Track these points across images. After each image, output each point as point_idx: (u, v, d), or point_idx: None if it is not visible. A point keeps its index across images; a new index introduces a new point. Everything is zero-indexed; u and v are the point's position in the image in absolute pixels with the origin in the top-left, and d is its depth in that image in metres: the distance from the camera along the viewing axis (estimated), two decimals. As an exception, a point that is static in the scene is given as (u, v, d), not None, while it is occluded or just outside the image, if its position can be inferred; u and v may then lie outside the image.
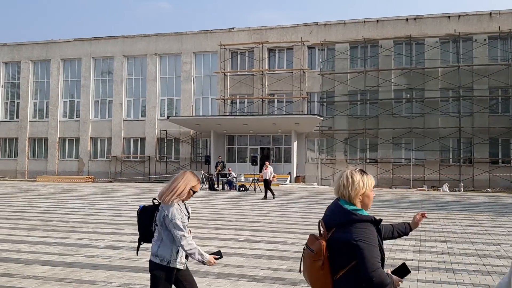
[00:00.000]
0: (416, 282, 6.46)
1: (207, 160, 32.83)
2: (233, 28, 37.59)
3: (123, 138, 39.60)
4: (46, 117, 41.77)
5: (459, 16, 32.91)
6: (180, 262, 3.89)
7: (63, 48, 41.53)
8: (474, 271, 7.34)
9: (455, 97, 32.71)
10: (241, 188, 27.51)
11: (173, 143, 38.64)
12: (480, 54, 32.38)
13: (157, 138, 38.57)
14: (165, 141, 38.57)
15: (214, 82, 37.77)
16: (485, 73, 31.96)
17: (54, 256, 8.18)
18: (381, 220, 2.76)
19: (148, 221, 4.04)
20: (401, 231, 3.15)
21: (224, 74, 37.05)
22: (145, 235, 4.08)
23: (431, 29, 33.24)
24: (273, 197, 21.02)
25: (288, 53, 36.47)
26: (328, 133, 34.55)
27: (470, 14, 32.88)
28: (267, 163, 22.78)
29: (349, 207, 2.74)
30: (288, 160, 34.85)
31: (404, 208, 17.15)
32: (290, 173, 33.67)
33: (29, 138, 41.92)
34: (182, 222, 3.82)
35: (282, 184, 31.56)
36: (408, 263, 7.88)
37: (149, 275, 5.95)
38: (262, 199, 20.93)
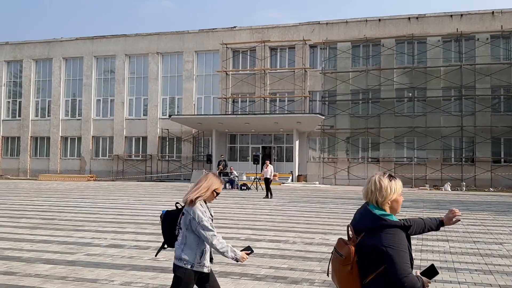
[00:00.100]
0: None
1: (209, 159, 32.83)
2: (235, 27, 37.58)
3: (125, 137, 39.63)
4: (48, 116, 41.83)
5: (462, 15, 32.86)
6: (205, 266, 3.89)
7: (65, 47, 41.56)
8: (476, 270, 7.33)
9: (457, 96, 32.65)
10: (242, 187, 27.52)
11: (175, 142, 38.66)
12: (482, 53, 32.33)
13: (159, 137, 38.59)
14: (167, 140, 38.59)
15: (216, 81, 37.78)
16: (487, 72, 31.90)
17: (56, 255, 8.20)
18: (410, 225, 2.76)
19: (173, 225, 4.05)
20: (432, 227, 3.13)
21: (226, 73, 37.06)
22: (170, 239, 4.07)
23: (433, 28, 33.19)
24: (270, 196, 21.02)
25: (290, 52, 36.44)
26: (330, 132, 34.53)
27: (473, 13, 32.82)
28: (268, 162, 22.81)
29: (378, 212, 2.74)
30: (290, 159, 34.84)
31: (406, 207, 17.13)
32: (292, 172, 33.66)
33: (31, 136, 41.99)
34: (210, 222, 3.85)
35: (283, 183, 31.55)
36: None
37: (151, 273, 5.94)
38: (263, 198, 20.94)
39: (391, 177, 2.84)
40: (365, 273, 2.68)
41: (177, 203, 4.14)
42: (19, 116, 42.53)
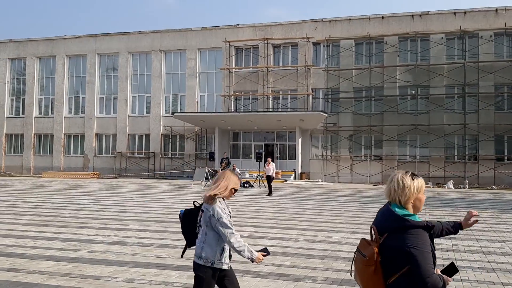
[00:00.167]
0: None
1: (211, 157, 32.80)
2: (238, 24, 37.55)
3: (128, 134, 39.69)
4: (51, 113, 41.92)
5: (465, 12, 32.75)
6: (225, 263, 3.90)
7: (68, 44, 41.63)
8: (479, 268, 7.33)
9: (461, 94, 32.58)
10: (245, 185, 27.54)
11: (177, 140, 38.70)
12: (486, 50, 32.24)
13: (161, 134, 38.64)
14: (170, 137, 38.64)
15: (218, 78, 37.78)
16: (490, 69, 31.81)
17: (60, 252, 8.23)
18: (433, 226, 2.76)
19: (193, 224, 4.07)
20: (450, 230, 3.13)
21: (229, 71, 37.05)
22: (191, 238, 4.09)
23: (437, 25, 33.10)
24: (270, 194, 21.06)
25: (293, 49, 36.40)
26: (333, 129, 34.51)
27: (476, 10, 32.72)
28: (269, 159, 22.87)
29: (401, 212, 2.73)
30: (293, 156, 34.84)
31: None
32: (294, 169, 33.67)
33: (34, 134, 42.10)
34: (229, 219, 3.87)
35: (286, 181, 31.57)
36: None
37: (154, 270, 5.96)
38: (266, 195, 20.96)
39: (413, 175, 2.83)
40: (389, 274, 2.69)
41: (195, 201, 4.17)
42: (23, 113, 42.65)
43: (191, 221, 4.08)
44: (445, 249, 8.78)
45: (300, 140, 33.91)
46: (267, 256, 4.02)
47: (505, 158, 31.80)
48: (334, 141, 34.68)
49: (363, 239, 2.87)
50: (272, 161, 23.20)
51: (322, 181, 33.17)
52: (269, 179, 21.62)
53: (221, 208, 3.87)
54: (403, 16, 33.91)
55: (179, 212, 4.20)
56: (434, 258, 2.70)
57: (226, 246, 3.92)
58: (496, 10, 32.28)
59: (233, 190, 4.00)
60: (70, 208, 15.17)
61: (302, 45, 35.56)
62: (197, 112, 36.55)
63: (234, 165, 30.36)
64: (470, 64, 32.15)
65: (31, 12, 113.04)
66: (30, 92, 42.35)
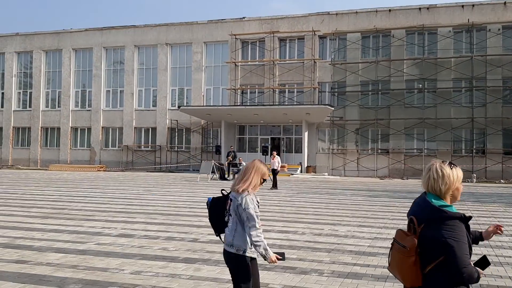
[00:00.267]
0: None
1: (217, 150, 32.86)
2: (244, 17, 37.44)
3: (134, 127, 39.78)
4: (58, 107, 42.07)
5: (473, 5, 32.47)
6: (254, 251, 3.93)
7: (74, 38, 41.68)
8: (486, 262, 7.29)
9: (468, 87, 32.37)
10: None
11: (184, 133, 38.75)
12: (493, 44, 31.98)
13: (168, 128, 38.69)
14: (176, 131, 38.68)
15: (224, 72, 37.73)
16: (498, 63, 31.57)
17: (67, 244, 8.28)
18: (470, 217, 2.74)
19: (220, 212, 4.09)
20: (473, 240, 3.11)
21: (235, 64, 36.99)
22: (219, 226, 4.12)
23: (444, 18, 32.85)
24: (272, 187, 21.07)
25: (299, 42, 36.26)
26: (339, 123, 34.41)
27: (484, 3, 32.42)
28: (275, 153, 22.91)
29: (438, 203, 2.72)
30: (299, 150, 34.80)
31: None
32: (301, 163, 33.64)
33: (41, 127, 42.28)
34: (256, 212, 3.87)
35: (292, 174, 31.55)
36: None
37: (160, 263, 5.97)
38: (270, 189, 20.94)
39: (451, 164, 2.81)
40: (425, 264, 2.69)
41: (222, 190, 4.20)
42: (30, 106, 42.82)
43: (219, 209, 4.10)
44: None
45: (306, 133, 33.85)
46: (280, 261, 3.99)
47: (513, 152, 31.60)
48: (341, 134, 34.60)
49: (400, 230, 2.86)
50: (278, 154, 23.21)
51: (328, 175, 33.14)
52: (274, 172, 21.65)
53: (250, 198, 3.89)
54: (410, 9, 33.68)
55: (206, 200, 4.24)
56: (470, 249, 2.70)
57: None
58: (505, 3, 31.97)
59: (261, 181, 4.02)
60: (77, 200, 15.24)
61: (308, 39, 35.42)
62: (203, 106, 36.55)
63: (240, 159, 30.38)
64: (478, 58, 31.91)
65: (37, 5, 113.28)
66: (37, 85, 42.50)
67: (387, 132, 33.46)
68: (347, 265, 6.92)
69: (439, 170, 2.76)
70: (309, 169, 33.65)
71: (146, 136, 39.86)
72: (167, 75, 38.92)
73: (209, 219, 4.17)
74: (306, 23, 35.58)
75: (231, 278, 4.07)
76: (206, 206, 4.24)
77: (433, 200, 2.73)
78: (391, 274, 6.31)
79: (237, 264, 3.91)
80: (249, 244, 3.89)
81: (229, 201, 4.01)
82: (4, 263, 6.84)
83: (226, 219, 4.03)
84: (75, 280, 5.98)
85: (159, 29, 39.34)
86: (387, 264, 6.93)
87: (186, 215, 12.12)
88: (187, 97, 38.75)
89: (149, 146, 39.44)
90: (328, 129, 34.85)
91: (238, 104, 36.47)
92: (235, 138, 37.05)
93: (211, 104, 37.41)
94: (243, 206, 3.84)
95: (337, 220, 11.49)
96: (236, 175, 28.96)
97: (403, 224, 10.81)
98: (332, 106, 32.16)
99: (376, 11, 34.31)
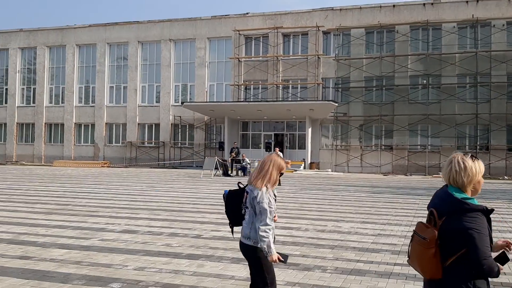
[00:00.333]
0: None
1: (221, 146, 32.88)
2: (247, 13, 37.36)
3: (138, 123, 39.82)
4: (62, 103, 42.14)
5: (477, 1, 32.26)
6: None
7: (78, 33, 41.69)
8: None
9: (472, 83, 32.24)
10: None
11: (187, 129, 38.76)
12: (498, 39, 31.81)
13: (171, 124, 38.71)
14: (179, 127, 38.69)
15: (228, 67, 37.68)
16: (503, 59, 31.41)
17: (71, 240, 8.30)
18: (492, 210, 2.74)
19: (237, 204, 4.12)
20: None
21: (239, 60, 36.93)
22: (235, 218, 4.15)
23: (449, 14, 32.68)
24: (279, 184, 21.08)
25: (303, 38, 36.17)
26: (343, 119, 34.35)
27: (489, -2, 32.24)
28: (277, 149, 22.91)
29: (460, 196, 2.72)
30: (303, 146, 34.76)
31: (419, 195, 17.06)
32: (304, 159, 33.60)
33: (45, 123, 42.37)
34: (269, 207, 3.88)
35: (296, 171, 31.52)
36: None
37: (164, 259, 5.96)
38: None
39: (473, 157, 2.80)
40: (445, 256, 2.69)
41: (239, 182, 4.23)
42: (34, 102, 42.90)
43: (235, 202, 4.13)
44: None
45: (310, 129, 33.80)
46: (281, 263, 3.97)
47: (517, 148, 31.49)
48: (344, 130, 34.54)
49: (421, 223, 2.85)
50: (281, 151, 23.20)
51: (332, 171, 33.11)
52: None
53: (265, 192, 3.90)
54: (414, 4, 33.52)
55: (223, 192, 4.27)
56: (491, 242, 2.69)
57: (272, 227, 3.95)
58: (510, -2, 31.78)
59: (279, 174, 4.04)
60: (81, 196, 15.28)
61: (312, 34, 35.32)
62: (206, 102, 36.55)
63: (244, 155, 30.39)
64: (482, 53, 31.76)
65: (41, 1, 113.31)
66: (40, 81, 42.56)
67: (391, 128, 33.39)
68: (350, 262, 6.91)
69: (461, 163, 2.75)
70: (313, 165, 33.62)
71: (149, 132, 39.91)
72: (171, 71, 38.91)
73: (225, 211, 4.21)
74: (310, 18, 35.47)
75: (249, 272, 4.12)
76: (222, 199, 4.29)
77: (455, 193, 2.73)
78: (394, 271, 6.35)
79: (254, 256, 3.94)
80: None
81: (246, 194, 4.03)
82: (8, 259, 6.86)
83: (243, 211, 4.06)
84: (79, 276, 5.99)
85: (163, 25, 39.30)
86: (390, 261, 6.96)
87: (189, 211, 12.13)
88: (190, 93, 38.75)
89: (153, 142, 39.48)
90: (331, 125, 34.80)
91: (242, 100, 36.43)
92: (238, 134, 37.03)
93: (215, 100, 37.39)
94: (258, 199, 3.86)
95: (341, 217, 11.47)
96: (239, 172, 29.08)
97: (407, 221, 10.82)
98: (335, 102, 32.09)
99: (380, 6, 34.17)
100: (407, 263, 2.95)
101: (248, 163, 29.22)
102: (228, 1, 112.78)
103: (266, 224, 3.83)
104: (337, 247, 7.96)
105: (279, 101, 34.70)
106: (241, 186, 4.16)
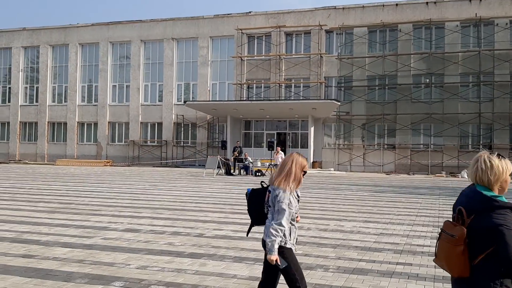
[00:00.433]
0: (433, 268, 6.42)
1: (223, 145, 32.86)
2: (250, 12, 37.34)
3: (141, 122, 39.86)
4: (65, 102, 42.22)
5: (481, -1, 32.22)
6: (294, 244, 3.96)
7: (81, 32, 41.75)
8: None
9: (475, 82, 32.17)
10: (257, 173, 27.56)
11: (189, 128, 38.79)
12: (501, 38, 31.73)
13: (174, 122, 38.73)
14: (182, 126, 38.72)
15: (230, 66, 37.69)
16: (506, 58, 31.34)
17: (74, 238, 8.31)
18: None
19: (259, 203, 4.12)
20: None
21: (241, 59, 36.92)
22: (257, 217, 4.15)
23: (452, 13, 32.61)
24: None
25: (306, 37, 36.13)
26: (346, 118, 34.32)
27: (492, -3, 32.16)
28: (278, 148, 22.90)
29: (489, 194, 2.71)
30: (305, 145, 34.73)
31: (422, 194, 17.04)
32: (306, 158, 33.49)
33: (48, 122, 42.45)
34: (289, 208, 3.88)
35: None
36: (425, 250, 7.83)
37: (166, 258, 5.96)
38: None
39: (500, 156, 2.80)
40: (474, 254, 2.67)
41: (262, 181, 4.23)
42: (36, 101, 42.99)
43: (258, 201, 4.13)
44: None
45: (312, 128, 33.78)
46: (277, 265, 3.88)
47: (520, 147, 31.40)
48: (347, 129, 34.51)
49: (448, 221, 2.85)
50: (283, 150, 23.19)
51: (334, 170, 33.09)
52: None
53: (288, 192, 3.90)
54: (417, 3, 33.44)
55: (246, 191, 4.28)
56: None
57: (294, 226, 3.97)
58: (513, -3, 31.69)
59: (303, 172, 4.05)
60: (83, 195, 15.31)
61: (315, 33, 35.28)
62: (209, 101, 36.57)
63: (246, 154, 30.40)
64: (486, 52, 31.68)
65: (44, 0, 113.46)
66: (43, 80, 42.64)
67: (393, 127, 33.34)
68: (352, 261, 6.91)
69: (488, 161, 2.76)
70: (315, 164, 33.60)
71: (152, 131, 39.95)
72: (173, 70, 38.93)
73: (247, 210, 4.22)
74: (313, 17, 35.44)
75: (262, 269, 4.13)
76: (245, 197, 4.30)
77: (483, 191, 2.72)
78: (397, 270, 6.35)
79: (288, 257, 3.91)
80: (289, 236, 3.91)
81: (268, 193, 4.04)
82: (11, 257, 6.88)
83: (265, 211, 4.06)
84: (81, 275, 6.00)
85: (165, 23, 39.32)
86: (393, 260, 6.96)
87: (192, 210, 12.14)
88: (193, 92, 38.76)
89: (155, 141, 39.53)
90: (334, 124, 34.77)
91: (244, 99, 36.43)
92: (241, 133, 37.04)
93: (217, 99, 37.41)
94: (278, 198, 3.86)
95: (343, 216, 11.47)
96: (242, 171, 29.08)
97: (409, 220, 10.81)
98: (338, 101, 32.06)
99: (383, 5, 34.11)
100: (431, 262, 2.93)
101: (251, 162, 29.23)
102: (231, 0, 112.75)
103: (280, 224, 3.82)
104: (339, 246, 7.96)
105: (282, 100, 34.68)
106: (264, 185, 4.16)
